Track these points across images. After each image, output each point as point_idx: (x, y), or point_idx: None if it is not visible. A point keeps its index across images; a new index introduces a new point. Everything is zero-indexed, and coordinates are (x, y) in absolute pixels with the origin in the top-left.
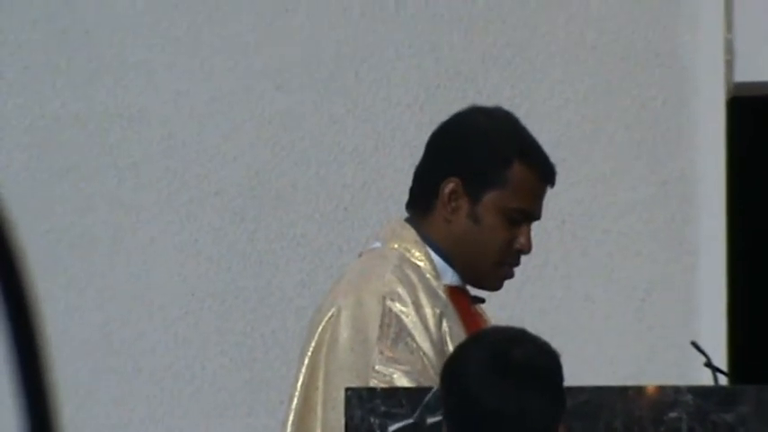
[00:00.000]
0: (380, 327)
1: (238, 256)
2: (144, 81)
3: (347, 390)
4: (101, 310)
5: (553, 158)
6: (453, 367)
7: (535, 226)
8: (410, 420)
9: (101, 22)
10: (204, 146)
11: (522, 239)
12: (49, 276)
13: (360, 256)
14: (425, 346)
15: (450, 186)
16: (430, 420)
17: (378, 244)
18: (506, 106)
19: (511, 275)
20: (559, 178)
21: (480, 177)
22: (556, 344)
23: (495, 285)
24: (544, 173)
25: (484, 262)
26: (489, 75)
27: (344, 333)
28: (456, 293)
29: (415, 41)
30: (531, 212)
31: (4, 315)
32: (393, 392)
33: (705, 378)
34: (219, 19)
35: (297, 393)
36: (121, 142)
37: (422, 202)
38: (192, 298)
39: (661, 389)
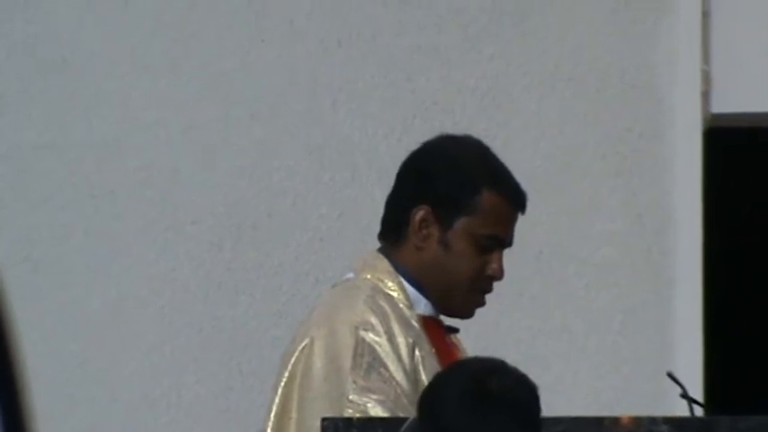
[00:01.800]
0: (353, 356)
1: (215, 285)
2: (120, 110)
3: (323, 420)
4: (76, 339)
5: (529, 189)
6: (431, 395)
7: (512, 256)
8: None
9: (77, 51)
10: (180, 175)
11: (493, 265)
12: (25, 305)
13: (333, 287)
14: (399, 375)
15: (420, 214)
16: None
17: (351, 275)
18: (482, 137)
19: (482, 303)
20: (536, 209)
21: (450, 204)
22: (532, 374)
23: (466, 313)
24: (514, 199)
25: (456, 289)
26: (466, 106)
27: (318, 363)
28: (430, 323)
29: (392, 72)
30: (502, 239)
31: None
32: (369, 422)
33: (681, 409)
34: (195, 48)
35: (270, 424)
36: (97, 171)
37: (394, 232)
38: (168, 327)
39: (637, 419)
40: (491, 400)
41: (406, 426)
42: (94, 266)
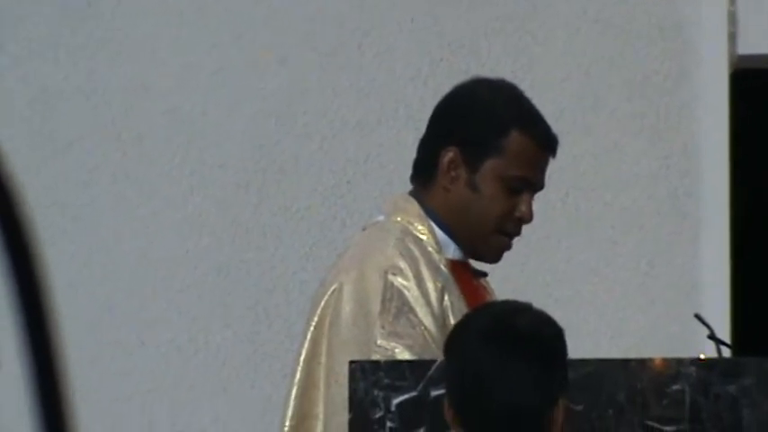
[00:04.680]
0: (382, 301)
1: (242, 229)
2: (148, 55)
3: (351, 363)
4: (104, 284)
5: (555, 131)
6: (457, 336)
7: (539, 199)
8: (414, 393)
9: None
10: (208, 119)
11: (522, 208)
12: (53, 250)
13: (363, 229)
14: (427, 320)
15: (448, 156)
16: (434, 393)
17: (381, 217)
18: (509, 79)
19: (509, 247)
20: (562, 151)
21: (478, 146)
22: (559, 316)
23: (494, 256)
24: (543, 141)
25: (484, 231)
26: (492, 48)
27: (347, 307)
28: (458, 267)
29: (418, 15)
30: (531, 181)
31: (16, 301)
32: (397, 365)
33: (708, 350)
34: None
35: (299, 368)
36: (125, 116)
37: (424, 174)
38: (195, 271)
39: (664, 361)
40: (517, 339)
41: (434, 368)
42: (122, 211)
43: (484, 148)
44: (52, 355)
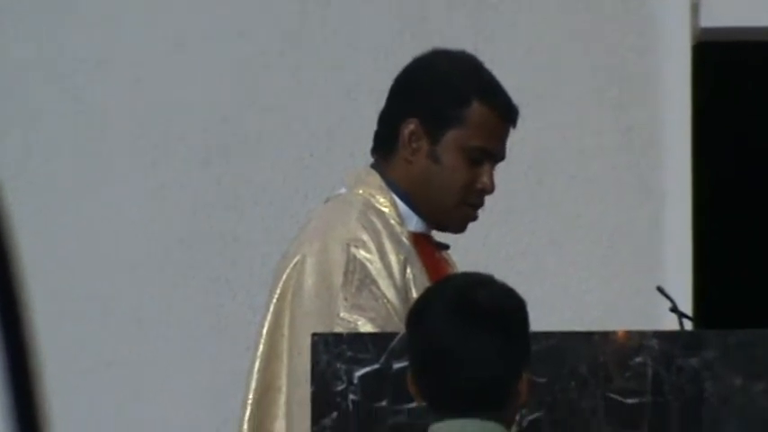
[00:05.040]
0: (345, 273)
1: (204, 202)
2: (110, 25)
3: (313, 335)
4: (66, 256)
5: (518, 104)
6: (418, 309)
7: (501, 171)
8: (376, 366)
9: None
10: (170, 92)
11: (484, 179)
12: (14, 224)
13: (325, 202)
14: (390, 293)
15: (409, 127)
16: (396, 366)
17: (343, 190)
18: (471, 52)
19: (474, 218)
20: (525, 124)
21: (439, 117)
22: (521, 289)
23: (457, 227)
24: (504, 111)
25: (446, 203)
26: (454, 20)
27: (309, 280)
28: (420, 240)
29: None
30: (492, 152)
31: None
32: (359, 338)
33: (670, 323)
34: None
35: (262, 340)
36: (86, 88)
37: (384, 147)
38: (157, 244)
39: (627, 334)
40: (478, 312)
41: (396, 340)
42: (83, 183)
43: (444, 120)
44: (23, 330)
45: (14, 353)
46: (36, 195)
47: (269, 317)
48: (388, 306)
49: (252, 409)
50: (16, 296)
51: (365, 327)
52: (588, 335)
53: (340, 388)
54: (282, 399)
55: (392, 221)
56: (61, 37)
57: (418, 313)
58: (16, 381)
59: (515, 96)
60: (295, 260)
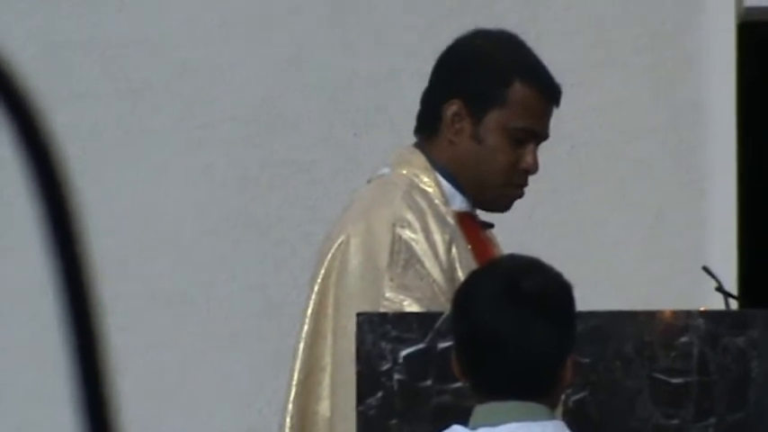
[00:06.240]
0: (390, 254)
1: (249, 181)
2: (155, 6)
3: (358, 315)
4: (113, 236)
5: (563, 84)
6: (465, 294)
7: (544, 152)
8: (421, 345)
9: None
10: (216, 71)
11: (528, 158)
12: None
13: (369, 182)
14: (435, 272)
15: (452, 108)
16: (441, 345)
17: (387, 170)
18: (516, 32)
19: (519, 195)
20: (568, 104)
21: (481, 98)
22: (566, 269)
23: (503, 207)
24: (546, 91)
25: (490, 183)
26: (499, 0)
27: (354, 260)
28: (465, 219)
29: None
30: (535, 131)
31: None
32: (404, 317)
33: (716, 302)
34: None
35: (307, 321)
36: (133, 68)
37: (428, 127)
38: (203, 224)
39: (672, 313)
40: (524, 299)
41: (441, 320)
42: (131, 162)
43: (487, 100)
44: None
45: (83, 345)
46: (81, 175)
47: (313, 297)
48: (434, 286)
49: (297, 390)
50: (86, 288)
51: (411, 307)
52: (633, 314)
53: (385, 368)
54: (327, 379)
55: (436, 201)
56: (105, 19)
57: (465, 297)
58: (84, 372)
59: (559, 76)
60: (339, 240)
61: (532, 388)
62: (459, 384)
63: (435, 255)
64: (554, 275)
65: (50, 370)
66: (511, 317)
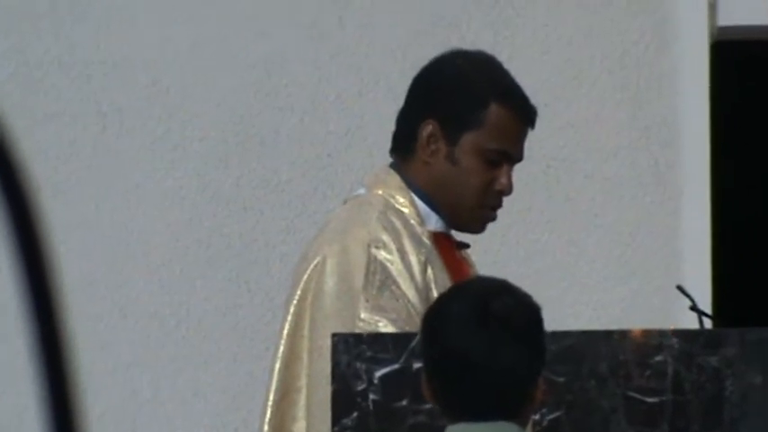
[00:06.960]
0: (366, 275)
1: (222, 202)
2: (127, 27)
3: (333, 335)
4: (85, 257)
5: (536, 103)
6: (434, 316)
7: (519, 171)
8: (396, 366)
9: None
10: (188, 92)
11: (502, 180)
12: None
13: (344, 202)
14: (410, 293)
15: (427, 129)
16: (416, 365)
17: (362, 190)
18: (489, 51)
19: (493, 218)
20: (542, 123)
21: (457, 119)
22: (540, 289)
23: (477, 228)
24: (522, 113)
25: (464, 204)
26: (472, 20)
27: (330, 281)
28: (441, 239)
29: None
30: (510, 153)
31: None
32: (379, 338)
33: (690, 321)
34: None
35: (282, 341)
36: (105, 88)
37: (403, 147)
38: (176, 244)
39: (646, 332)
40: (492, 322)
41: (415, 341)
42: (102, 184)
43: (462, 122)
44: (59, 335)
45: (49, 352)
46: (53, 196)
47: (289, 318)
48: (409, 307)
49: (272, 411)
50: (52, 297)
51: (386, 328)
52: (608, 334)
53: (360, 388)
54: (303, 400)
55: (412, 221)
56: (79, 39)
57: (435, 319)
58: (51, 381)
59: (533, 96)
60: (315, 261)
61: (503, 408)
62: None
63: (411, 276)
64: (522, 297)
65: (19, 393)
66: (481, 339)
